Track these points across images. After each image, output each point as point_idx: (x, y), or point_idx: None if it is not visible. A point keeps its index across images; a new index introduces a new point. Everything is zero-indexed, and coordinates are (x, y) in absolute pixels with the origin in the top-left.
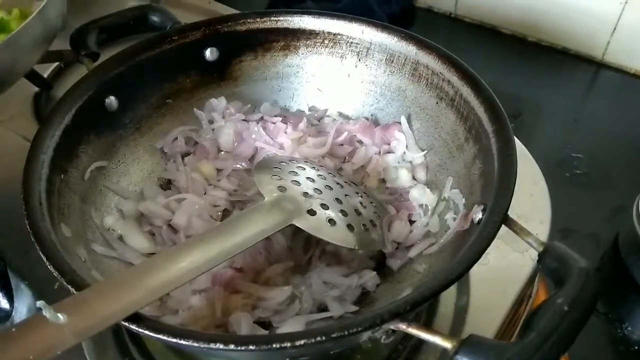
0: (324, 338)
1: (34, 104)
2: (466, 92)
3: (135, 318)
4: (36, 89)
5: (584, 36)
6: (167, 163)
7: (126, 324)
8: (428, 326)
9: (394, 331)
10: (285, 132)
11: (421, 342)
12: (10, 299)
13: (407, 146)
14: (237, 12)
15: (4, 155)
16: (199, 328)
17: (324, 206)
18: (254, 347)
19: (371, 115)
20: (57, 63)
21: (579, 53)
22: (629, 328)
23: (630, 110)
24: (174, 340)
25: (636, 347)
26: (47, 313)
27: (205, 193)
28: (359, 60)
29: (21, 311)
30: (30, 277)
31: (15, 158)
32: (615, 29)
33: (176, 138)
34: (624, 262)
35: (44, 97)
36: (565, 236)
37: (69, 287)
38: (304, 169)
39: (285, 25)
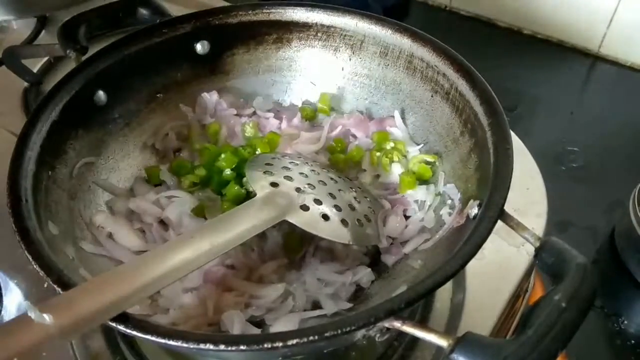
0: (316, 337)
1: (23, 99)
2: (461, 85)
3: (123, 318)
4: (25, 84)
5: (580, 29)
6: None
7: (114, 324)
8: (423, 323)
9: (388, 329)
10: (279, 128)
11: (416, 338)
12: None
13: None
14: (229, 4)
15: None
16: (191, 327)
17: (317, 201)
18: (245, 347)
19: (365, 109)
20: (46, 58)
21: (575, 46)
22: (625, 322)
23: (627, 103)
24: (163, 340)
25: (632, 341)
26: (32, 314)
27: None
28: (353, 53)
29: (10, 310)
30: (19, 275)
31: (4, 154)
32: (611, 21)
33: (167, 134)
34: (620, 256)
35: (34, 92)
36: (562, 230)
37: (56, 286)
38: (297, 164)
39: (277, 17)
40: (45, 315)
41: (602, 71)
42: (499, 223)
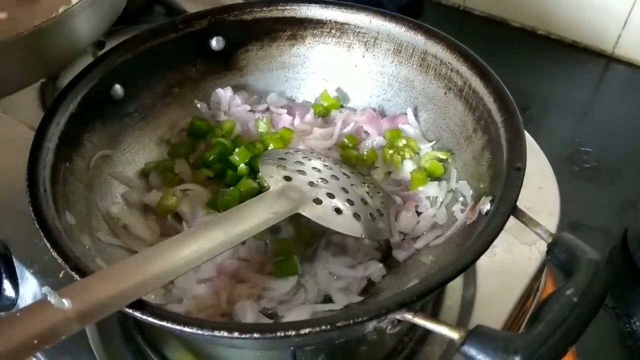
0: (329, 327)
1: (40, 94)
2: (475, 82)
3: (140, 305)
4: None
5: (594, 30)
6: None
7: (130, 310)
8: (435, 317)
9: (400, 321)
10: (292, 124)
11: (427, 333)
12: (16, 286)
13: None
14: (244, 1)
15: (10, 145)
16: (204, 317)
17: (330, 195)
18: (259, 335)
19: (378, 106)
20: None
21: (589, 47)
22: (637, 323)
23: None
24: (178, 327)
25: None
26: (52, 298)
27: None
28: (367, 50)
29: (26, 299)
30: (36, 265)
31: (22, 147)
32: (626, 22)
33: (183, 128)
34: (633, 257)
35: (50, 86)
36: (574, 230)
37: (73, 273)
38: (310, 159)
39: (292, 14)
40: (64, 300)
41: (616, 72)
42: (512, 221)
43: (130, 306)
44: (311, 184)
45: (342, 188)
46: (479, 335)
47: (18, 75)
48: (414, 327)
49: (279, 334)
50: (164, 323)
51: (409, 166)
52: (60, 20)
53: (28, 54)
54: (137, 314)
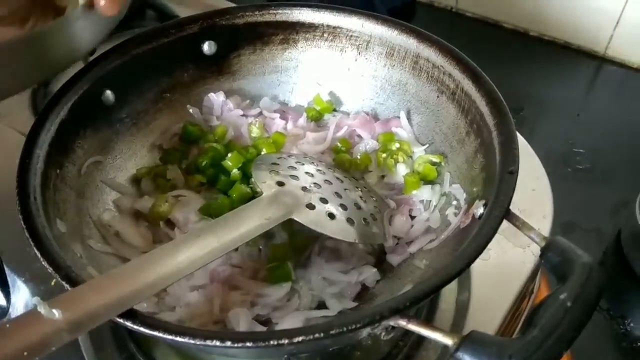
0: (322, 335)
1: (31, 100)
2: (467, 85)
3: (131, 314)
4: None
5: (586, 30)
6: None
7: (121, 320)
8: (429, 322)
9: (393, 328)
10: (285, 129)
11: (422, 338)
12: (7, 295)
13: None
14: (235, 5)
15: (1, 151)
16: (197, 325)
17: (323, 200)
18: (251, 344)
19: (371, 109)
20: None
21: (581, 47)
22: (631, 324)
23: (633, 105)
24: (170, 337)
25: (638, 344)
26: (41, 309)
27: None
28: (359, 53)
29: (18, 308)
30: (27, 273)
31: (13, 154)
32: (617, 23)
33: (175, 134)
34: (627, 258)
35: (42, 92)
36: (568, 231)
37: (64, 283)
38: (303, 164)
39: (284, 18)
40: (54, 311)
41: (608, 73)
42: (505, 224)
43: (122, 315)
44: (304, 189)
45: (336, 193)
46: (472, 341)
47: (14, 79)
48: (408, 331)
49: (271, 342)
50: (155, 333)
51: (402, 170)
52: (59, 25)
53: (25, 58)
54: (128, 324)
